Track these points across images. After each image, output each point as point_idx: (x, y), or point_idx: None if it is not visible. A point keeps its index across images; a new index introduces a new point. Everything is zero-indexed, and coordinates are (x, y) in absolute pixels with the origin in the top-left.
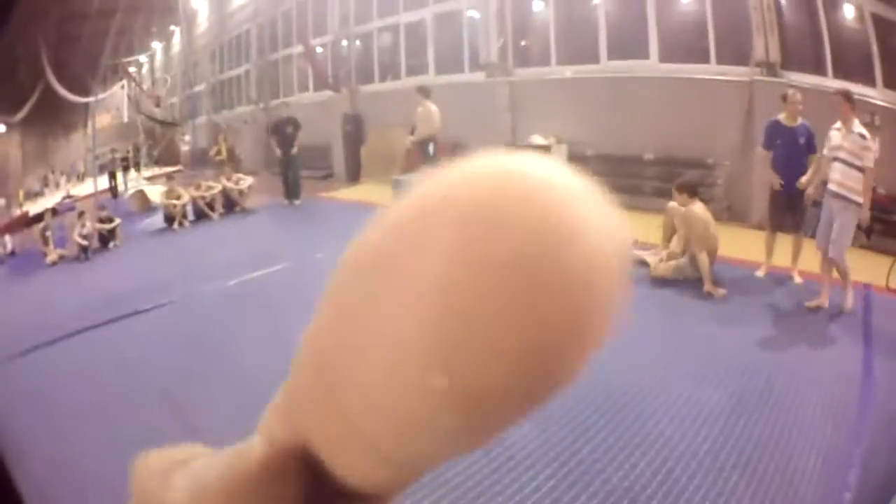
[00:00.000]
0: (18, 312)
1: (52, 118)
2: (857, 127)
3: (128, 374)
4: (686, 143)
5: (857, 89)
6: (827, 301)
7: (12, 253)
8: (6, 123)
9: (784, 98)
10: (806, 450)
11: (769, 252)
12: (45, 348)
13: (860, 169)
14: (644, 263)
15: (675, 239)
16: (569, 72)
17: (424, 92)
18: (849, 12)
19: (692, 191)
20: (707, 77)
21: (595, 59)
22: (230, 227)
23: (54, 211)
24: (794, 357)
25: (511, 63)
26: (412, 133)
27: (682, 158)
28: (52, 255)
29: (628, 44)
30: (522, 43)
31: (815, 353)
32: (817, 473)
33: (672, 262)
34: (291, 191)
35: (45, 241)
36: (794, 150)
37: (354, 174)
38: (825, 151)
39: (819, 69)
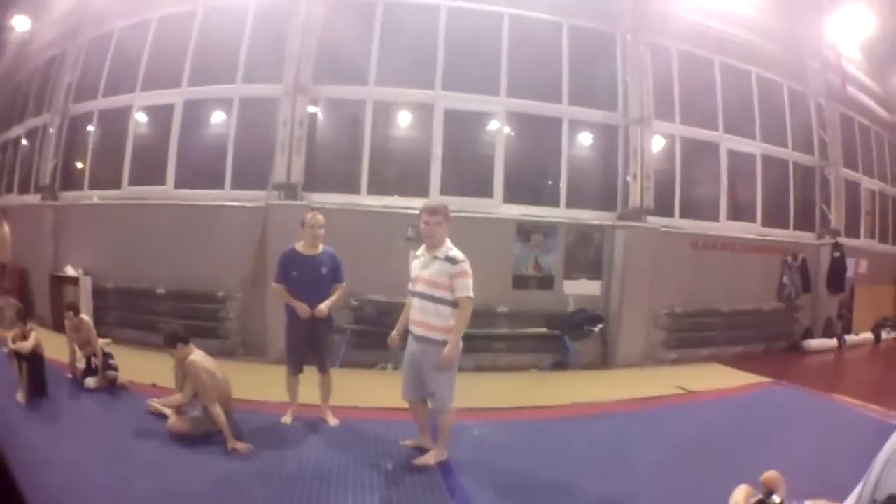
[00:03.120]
0: None
1: None
2: (450, 250)
3: None
4: (198, 276)
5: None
6: (429, 441)
7: None
8: None
9: (302, 223)
10: None
11: (293, 396)
12: None
13: (450, 303)
14: (163, 415)
15: (186, 388)
16: (97, 197)
17: (2, 213)
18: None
19: (181, 339)
20: (219, 203)
21: (119, 184)
22: None
23: None
24: None
25: (59, 186)
26: None
27: (194, 292)
28: None
29: (150, 169)
30: (71, 166)
31: None
32: None
33: (188, 415)
34: None
35: None
36: (314, 282)
37: None
38: (410, 286)
39: (354, 187)
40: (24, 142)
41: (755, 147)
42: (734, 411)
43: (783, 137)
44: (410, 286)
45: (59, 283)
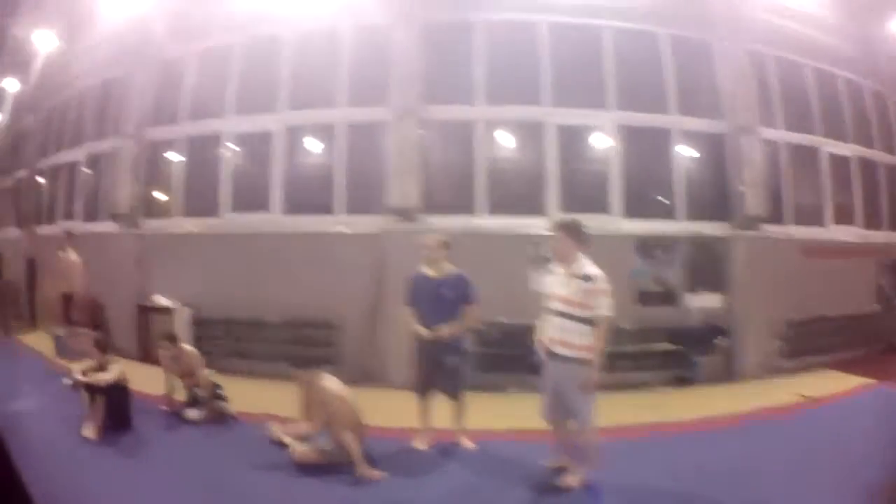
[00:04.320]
0: None
1: None
2: (585, 267)
3: None
4: (311, 303)
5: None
6: (570, 461)
7: None
8: None
9: (430, 246)
10: None
11: (425, 420)
12: None
13: (589, 321)
14: (283, 444)
15: (312, 416)
16: (191, 225)
17: (67, 240)
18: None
19: (314, 365)
20: (331, 230)
21: (217, 212)
22: None
23: None
24: None
25: (142, 213)
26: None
27: (307, 320)
28: None
29: (252, 196)
30: (154, 193)
31: None
32: None
33: (314, 444)
34: None
35: None
36: (437, 304)
37: (30, 320)
38: (545, 303)
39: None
40: (85, 168)
41: (850, 150)
42: (856, 415)
43: (870, 139)
44: (546, 304)
45: (148, 313)
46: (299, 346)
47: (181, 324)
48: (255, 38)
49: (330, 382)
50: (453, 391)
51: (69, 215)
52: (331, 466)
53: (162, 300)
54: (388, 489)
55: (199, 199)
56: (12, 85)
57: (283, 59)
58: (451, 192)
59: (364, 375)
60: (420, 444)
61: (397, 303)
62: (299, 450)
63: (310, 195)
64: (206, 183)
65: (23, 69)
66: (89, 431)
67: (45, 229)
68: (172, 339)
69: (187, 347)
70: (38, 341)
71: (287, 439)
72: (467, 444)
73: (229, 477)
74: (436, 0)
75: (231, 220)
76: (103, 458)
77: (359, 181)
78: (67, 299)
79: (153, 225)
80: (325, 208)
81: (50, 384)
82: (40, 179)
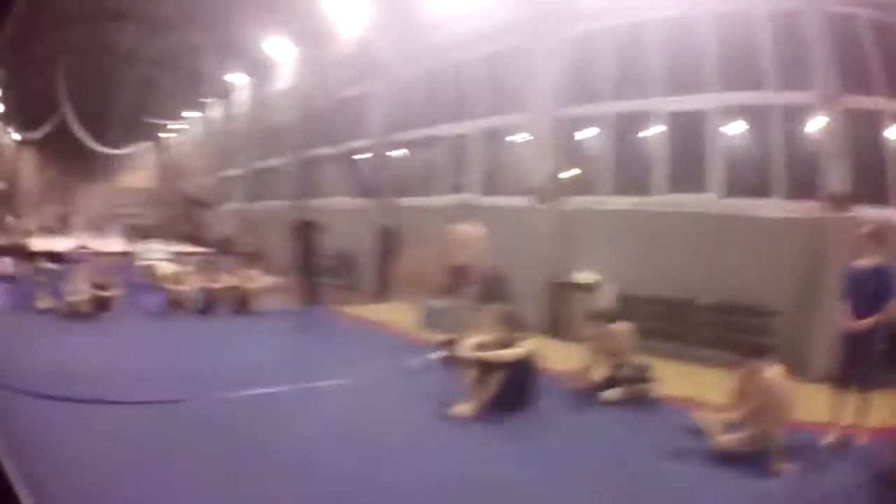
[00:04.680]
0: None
1: (73, 156)
2: None
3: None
4: (745, 287)
5: None
6: None
7: (13, 278)
8: (22, 139)
9: (861, 236)
10: None
11: (838, 414)
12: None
13: None
14: (702, 432)
15: (743, 404)
16: (621, 203)
17: (466, 212)
18: None
19: (762, 354)
20: (770, 214)
21: (649, 190)
22: (230, 328)
23: (56, 255)
24: None
25: (560, 190)
26: (444, 254)
27: (739, 304)
28: (42, 303)
29: (686, 176)
30: (573, 169)
31: None
32: None
33: (741, 434)
34: (309, 297)
35: (38, 285)
36: (859, 296)
37: (382, 291)
38: None
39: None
40: (480, 142)
41: None
42: None
43: None
44: None
45: (565, 289)
46: (731, 331)
47: (607, 301)
48: (674, 18)
49: (774, 373)
50: (863, 386)
51: (457, 188)
52: (745, 456)
53: (586, 276)
54: (792, 483)
55: (628, 177)
56: (282, 49)
57: (705, 40)
58: (872, 183)
59: (793, 366)
60: (828, 440)
61: (830, 294)
62: (724, 439)
63: (747, 177)
64: (634, 161)
65: (310, 36)
66: (465, 409)
67: (414, 201)
68: (603, 316)
69: (618, 325)
70: (387, 312)
71: (710, 427)
72: (861, 440)
73: (640, 461)
74: None
75: (665, 200)
76: (483, 437)
77: (799, 166)
78: (457, 272)
79: (574, 201)
80: (763, 191)
81: (395, 357)
82: (396, 151)
